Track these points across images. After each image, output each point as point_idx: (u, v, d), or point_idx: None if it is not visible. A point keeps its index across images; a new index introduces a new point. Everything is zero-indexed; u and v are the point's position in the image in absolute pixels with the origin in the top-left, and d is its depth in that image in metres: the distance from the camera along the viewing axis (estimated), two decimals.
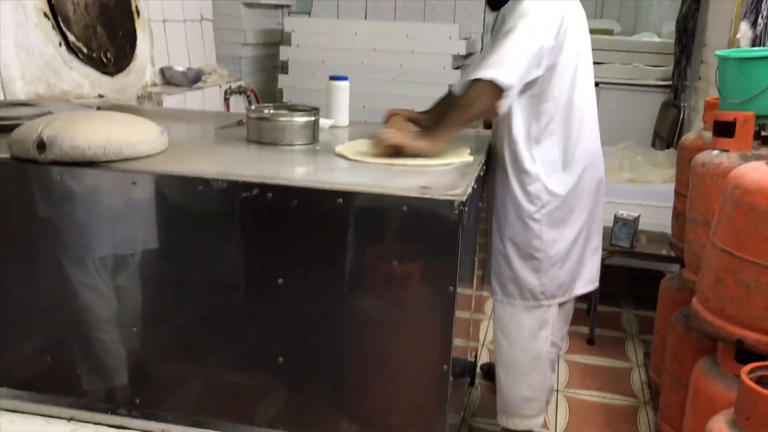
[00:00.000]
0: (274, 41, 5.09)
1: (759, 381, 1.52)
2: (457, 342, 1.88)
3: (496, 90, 1.98)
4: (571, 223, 2.21)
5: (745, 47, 2.86)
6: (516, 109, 2.13)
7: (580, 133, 2.18)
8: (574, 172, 2.19)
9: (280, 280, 1.82)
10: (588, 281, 2.33)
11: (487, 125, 2.66)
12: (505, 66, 1.97)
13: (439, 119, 2.12)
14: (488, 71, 1.97)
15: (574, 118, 2.16)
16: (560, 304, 2.30)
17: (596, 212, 2.30)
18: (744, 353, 1.83)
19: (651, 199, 3.47)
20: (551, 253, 2.20)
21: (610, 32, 5.24)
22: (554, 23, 2.05)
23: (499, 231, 2.26)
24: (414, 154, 1.99)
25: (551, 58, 2.07)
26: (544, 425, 2.49)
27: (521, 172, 2.17)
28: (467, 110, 2.02)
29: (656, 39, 5.08)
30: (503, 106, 2.04)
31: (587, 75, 2.21)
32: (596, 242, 2.33)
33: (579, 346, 3.25)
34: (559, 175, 2.17)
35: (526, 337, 2.26)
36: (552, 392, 2.38)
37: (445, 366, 1.80)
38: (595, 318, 3.30)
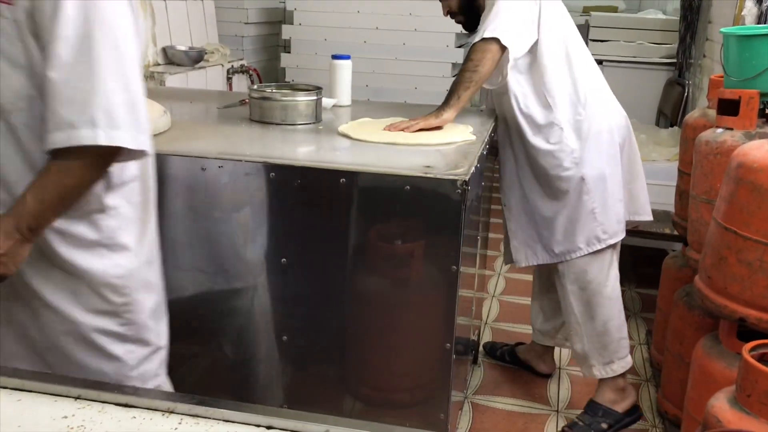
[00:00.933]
0: (276, 20, 5.05)
1: (760, 359, 1.52)
2: (460, 320, 1.89)
3: (499, 48, 2.07)
4: (606, 155, 2.27)
5: (750, 24, 2.84)
6: (513, 73, 2.21)
7: (583, 72, 2.26)
8: (593, 106, 2.25)
9: (284, 260, 1.83)
10: (633, 213, 2.43)
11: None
12: (502, 25, 2.08)
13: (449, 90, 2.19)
14: (487, 32, 2.07)
15: (572, 61, 2.25)
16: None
17: (630, 146, 2.39)
18: (746, 331, 1.84)
19: (654, 178, 3.44)
20: (596, 185, 2.25)
21: (614, 9, 5.19)
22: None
23: (541, 195, 2.32)
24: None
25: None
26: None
27: (538, 128, 2.25)
28: (476, 72, 2.10)
29: (661, 16, 5.03)
30: (507, 66, 2.13)
31: (572, 32, 2.30)
32: (635, 172, 2.41)
33: None
34: (578, 110, 2.24)
35: (603, 281, 2.33)
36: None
37: (448, 344, 1.81)
38: None
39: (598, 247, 2.30)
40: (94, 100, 1.16)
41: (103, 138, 1.16)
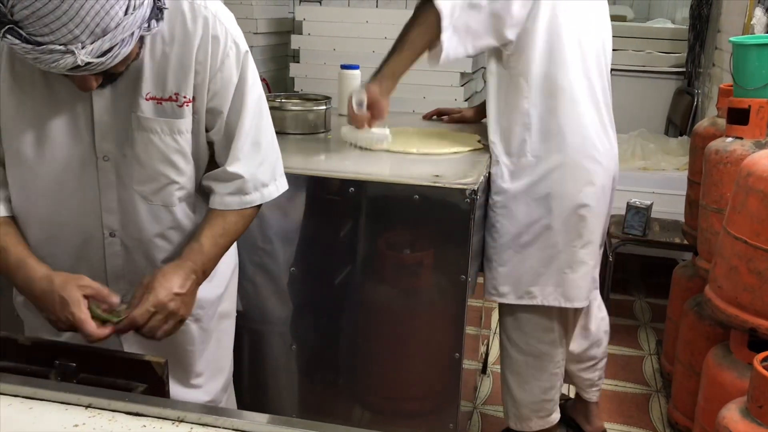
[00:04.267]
0: (285, 30, 5.08)
1: None
2: (469, 330, 1.89)
3: (435, 19, 1.83)
4: (536, 224, 1.96)
5: (759, 33, 2.84)
6: (494, 80, 1.98)
7: (563, 122, 1.91)
8: (550, 164, 1.93)
9: (293, 269, 1.83)
10: (555, 294, 2.02)
11: None
12: None
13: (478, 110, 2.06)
14: None
15: (556, 105, 1.91)
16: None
17: (591, 221, 1.98)
18: (757, 341, 1.83)
19: (664, 187, 3.44)
20: (502, 247, 2.00)
21: (623, 18, 5.19)
22: None
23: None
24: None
25: (516, 27, 1.86)
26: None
27: (501, 149, 1.99)
28: (404, 34, 1.92)
29: (670, 25, 5.04)
30: (445, 41, 1.84)
31: (587, 59, 1.94)
32: (584, 256, 2.00)
33: None
34: (527, 160, 1.94)
35: (529, 339, 2.11)
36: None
37: (457, 354, 1.81)
38: (608, 306, 3.29)
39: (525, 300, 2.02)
40: (272, 160, 1.42)
41: (281, 189, 1.44)
